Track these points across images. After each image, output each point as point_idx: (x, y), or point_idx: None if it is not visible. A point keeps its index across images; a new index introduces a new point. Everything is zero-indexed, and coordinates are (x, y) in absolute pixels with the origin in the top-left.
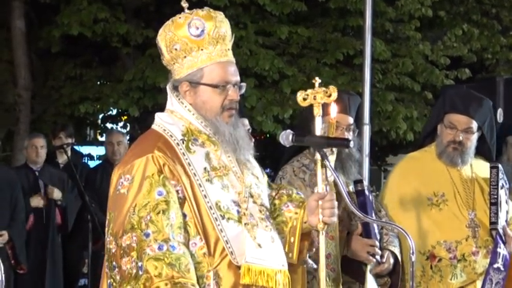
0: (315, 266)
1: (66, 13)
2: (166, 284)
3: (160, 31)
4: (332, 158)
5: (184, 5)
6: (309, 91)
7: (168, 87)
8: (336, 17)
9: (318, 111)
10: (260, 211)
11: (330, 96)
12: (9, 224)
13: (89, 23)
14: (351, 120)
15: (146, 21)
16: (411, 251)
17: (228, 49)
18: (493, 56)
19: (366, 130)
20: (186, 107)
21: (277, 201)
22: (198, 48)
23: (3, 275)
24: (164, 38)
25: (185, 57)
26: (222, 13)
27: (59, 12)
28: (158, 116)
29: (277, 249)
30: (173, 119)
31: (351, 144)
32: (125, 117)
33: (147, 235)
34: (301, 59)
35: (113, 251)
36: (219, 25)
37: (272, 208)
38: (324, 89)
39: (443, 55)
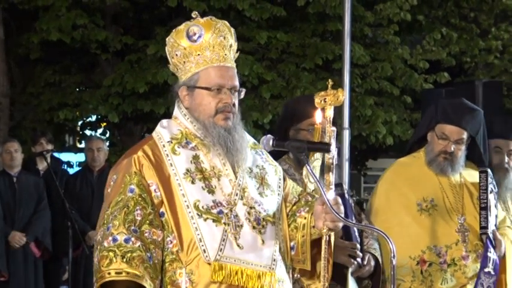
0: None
1: (45, 19)
2: (109, 273)
3: (167, 39)
4: (317, 164)
5: (194, 15)
6: (323, 93)
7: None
8: (315, 22)
9: (329, 115)
10: (248, 213)
11: (337, 99)
12: None
13: (68, 29)
14: None
15: (125, 28)
16: (392, 254)
17: (227, 55)
18: (471, 60)
19: (346, 134)
20: (182, 111)
21: (294, 208)
22: (196, 53)
23: None
24: (168, 45)
25: (184, 62)
26: (226, 22)
27: (37, 19)
28: (161, 121)
29: (266, 252)
30: (170, 123)
31: (331, 148)
32: (104, 124)
33: (108, 229)
34: (281, 64)
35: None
36: (218, 32)
37: (290, 214)
38: (334, 91)
39: (422, 59)
